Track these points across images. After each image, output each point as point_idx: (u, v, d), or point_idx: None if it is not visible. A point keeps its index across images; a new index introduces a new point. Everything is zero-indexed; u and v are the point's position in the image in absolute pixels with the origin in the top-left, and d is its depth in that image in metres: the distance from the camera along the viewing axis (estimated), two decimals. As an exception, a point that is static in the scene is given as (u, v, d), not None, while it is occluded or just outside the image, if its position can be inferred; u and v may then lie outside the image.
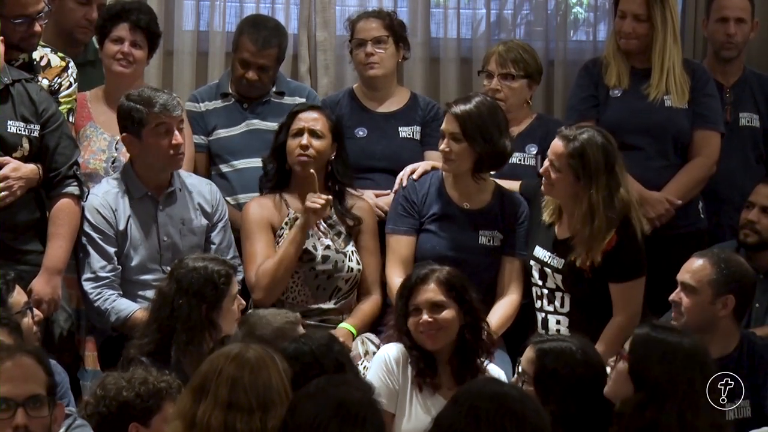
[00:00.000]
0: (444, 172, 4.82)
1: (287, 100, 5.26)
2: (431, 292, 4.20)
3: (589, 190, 4.48)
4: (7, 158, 4.51)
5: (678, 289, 4.31)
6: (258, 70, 5.17)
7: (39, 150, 4.59)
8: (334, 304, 4.80)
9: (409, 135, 5.23)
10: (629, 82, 5.20)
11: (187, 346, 4.12)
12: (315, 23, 5.91)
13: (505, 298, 4.76)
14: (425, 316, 4.18)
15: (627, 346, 3.72)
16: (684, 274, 4.32)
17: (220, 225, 4.85)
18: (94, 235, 4.66)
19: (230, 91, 5.26)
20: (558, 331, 4.58)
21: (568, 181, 4.53)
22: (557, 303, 4.63)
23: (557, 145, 4.56)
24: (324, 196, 4.70)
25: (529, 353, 3.81)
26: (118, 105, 4.71)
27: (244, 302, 4.35)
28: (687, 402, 3.56)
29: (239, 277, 4.78)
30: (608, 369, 3.89)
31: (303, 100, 5.25)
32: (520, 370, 3.85)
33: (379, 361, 4.26)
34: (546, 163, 4.59)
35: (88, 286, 4.65)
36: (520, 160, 5.02)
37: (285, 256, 4.71)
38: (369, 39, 5.18)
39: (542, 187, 4.64)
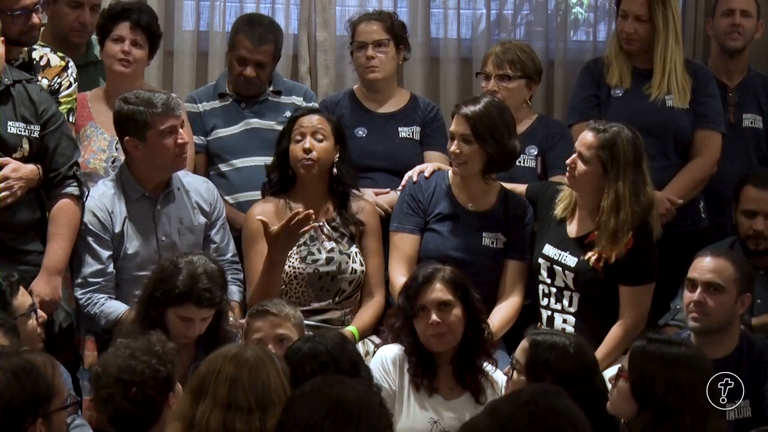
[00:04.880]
0: (451, 173, 4.80)
1: (284, 99, 5.26)
2: (438, 291, 4.21)
3: (617, 182, 4.47)
4: (7, 159, 4.51)
5: (700, 290, 4.26)
6: (255, 67, 5.17)
7: (39, 150, 4.59)
8: (337, 305, 4.78)
9: (409, 135, 5.22)
10: (631, 82, 5.20)
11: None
12: (315, 23, 5.92)
13: (506, 300, 4.74)
14: (434, 316, 4.18)
15: (625, 363, 3.67)
16: (706, 274, 4.27)
17: (219, 223, 4.83)
18: (89, 237, 4.64)
19: (228, 91, 5.26)
20: (563, 329, 4.54)
21: (594, 174, 4.51)
22: (565, 302, 4.61)
23: (587, 136, 4.54)
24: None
25: (523, 343, 3.85)
26: (115, 109, 4.66)
27: None
28: (696, 417, 3.53)
29: (238, 276, 4.81)
30: (607, 377, 3.88)
31: (300, 98, 5.26)
32: (514, 360, 3.86)
33: (376, 363, 4.26)
34: (573, 155, 4.57)
35: (78, 291, 4.63)
36: (520, 161, 4.98)
37: (265, 291, 4.58)
38: (370, 42, 5.18)
39: (566, 180, 4.62)
